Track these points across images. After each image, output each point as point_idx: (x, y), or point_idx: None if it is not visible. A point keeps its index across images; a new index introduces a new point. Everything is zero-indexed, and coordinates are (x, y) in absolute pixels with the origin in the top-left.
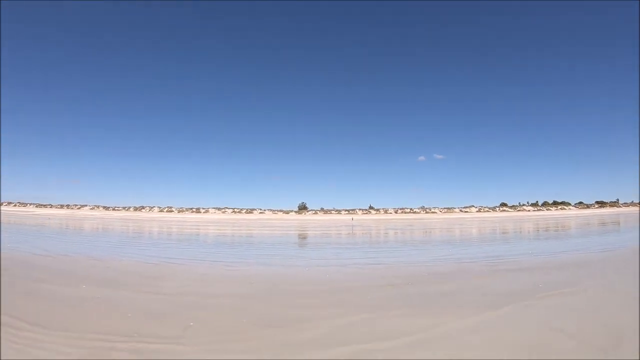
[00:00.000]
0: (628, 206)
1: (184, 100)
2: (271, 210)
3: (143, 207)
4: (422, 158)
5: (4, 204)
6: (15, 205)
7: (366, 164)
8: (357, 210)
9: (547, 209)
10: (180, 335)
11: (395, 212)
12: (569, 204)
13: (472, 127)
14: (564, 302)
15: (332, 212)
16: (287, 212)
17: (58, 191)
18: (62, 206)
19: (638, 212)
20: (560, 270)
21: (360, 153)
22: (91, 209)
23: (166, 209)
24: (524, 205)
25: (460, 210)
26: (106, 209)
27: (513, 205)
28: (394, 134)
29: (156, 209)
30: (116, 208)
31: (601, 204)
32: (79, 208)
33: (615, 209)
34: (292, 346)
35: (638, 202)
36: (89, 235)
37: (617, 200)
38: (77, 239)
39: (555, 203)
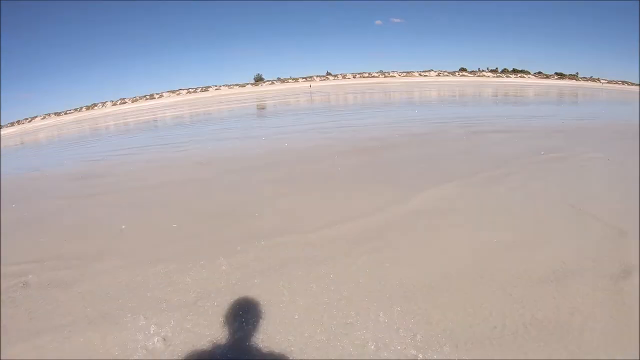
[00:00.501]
0: (587, 80)
1: None
2: (227, 85)
3: (95, 105)
4: (379, 22)
5: None
6: None
7: (321, 28)
8: (315, 77)
9: (506, 76)
10: (105, 249)
11: (354, 77)
12: (529, 73)
13: None
14: (559, 168)
15: (289, 80)
16: (243, 86)
17: (10, 108)
18: (12, 124)
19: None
20: (543, 136)
21: (314, 17)
22: (42, 118)
23: (119, 101)
24: (483, 71)
25: (420, 74)
26: (58, 115)
27: (473, 71)
28: None
29: (109, 103)
30: (68, 112)
31: (560, 75)
32: (29, 121)
33: (573, 82)
34: (233, 242)
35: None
36: (33, 148)
37: (577, 73)
38: (22, 153)
39: (515, 71)
